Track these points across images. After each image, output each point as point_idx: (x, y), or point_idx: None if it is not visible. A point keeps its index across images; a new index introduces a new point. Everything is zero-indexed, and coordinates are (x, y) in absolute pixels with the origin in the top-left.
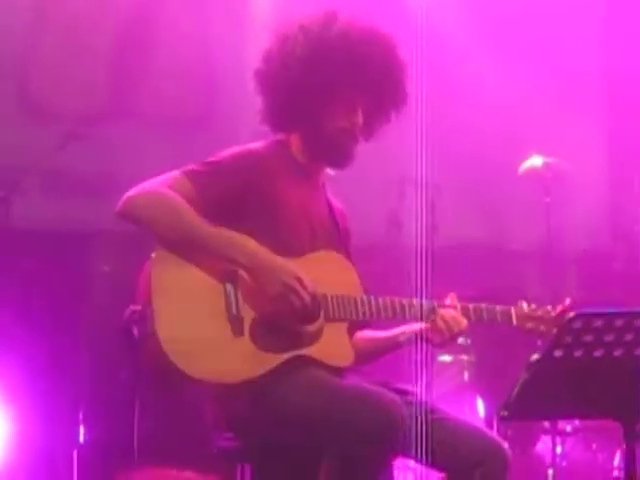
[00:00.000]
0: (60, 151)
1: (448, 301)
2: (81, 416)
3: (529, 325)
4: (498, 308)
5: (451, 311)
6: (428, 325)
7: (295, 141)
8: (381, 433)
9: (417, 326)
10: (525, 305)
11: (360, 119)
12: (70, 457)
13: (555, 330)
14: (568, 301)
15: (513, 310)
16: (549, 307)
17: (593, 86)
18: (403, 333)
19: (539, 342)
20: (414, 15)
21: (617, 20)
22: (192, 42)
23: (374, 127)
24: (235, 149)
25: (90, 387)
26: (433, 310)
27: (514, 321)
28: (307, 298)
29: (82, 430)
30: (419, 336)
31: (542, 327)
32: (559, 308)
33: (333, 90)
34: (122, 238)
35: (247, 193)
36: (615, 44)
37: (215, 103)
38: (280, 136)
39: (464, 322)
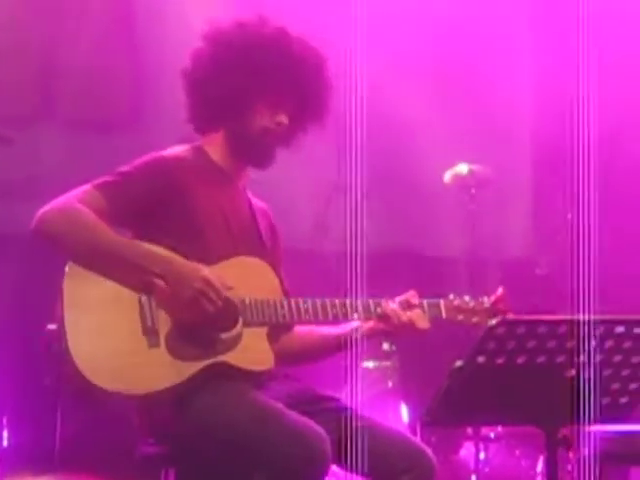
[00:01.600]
0: None
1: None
2: (5, 420)
3: (460, 317)
4: (425, 302)
5: (395, 305)
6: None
7: (216, 144)
8: (302, 469)
9: (368, 323)
10: (452, 296)
11: (285, 121)
12: None
13: (491, 320)
14: (500, 291)
15: (442, 302)
16: (483, 298)
17: (519, 93)
18: (356, 329)
19: (464, 346)
20: (349, 24)
21: (544, 26)
22: (120, 44)
23: (294, 133)
24: (147, 157)
25: (14, 392)
26: (366, 309)
27: (443, 314)
28: (219, 302)
29: (5, 434)
30: (372, 333)
31: (475, 318)
32: (492, 298)
33: (262, 90)
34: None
35: (160, 201)
36: (542, 51)
37: (143, 106)
38: (199, 140)
39: (409, 314)
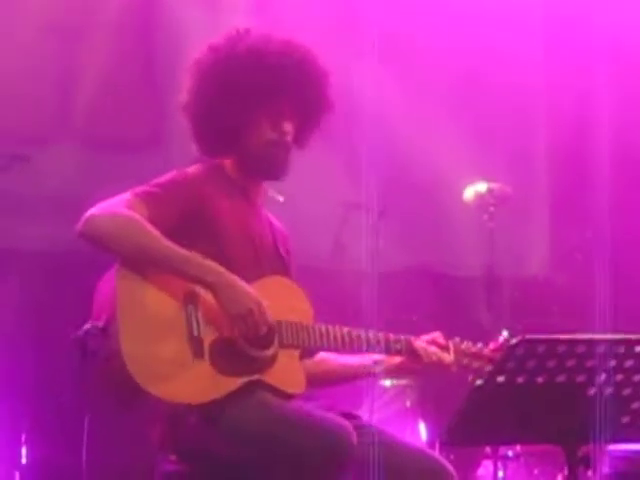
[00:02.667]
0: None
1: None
2: (23, 437)
3: (465, 361)
4: (451, 344)
5: (424, 344)
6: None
7: (230, 162)
8: (331, 458)
9: (397, 359)
10: (458, 339)
11: (289, 128)
12: (12, 478)
13: (488, 367)
14: (502, 338)
15: (451, 344)
16: (481, 344)
17: (537, 112)
18: (379, 363)
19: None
20: (361, 37)
21: (557, 43)
22: (139, 62)
23: (306, 134)
24: (174, 173)
25: (33, 408)
26: (387, 345)
27: (452, 356)
28: (264, 328)
29: (24, 451)
30: (400, 370)
31: (475, 364)
32: (492, 345)
33: (252, 105)
34: (61, 259)
35: (192, 216)
36: (558, 67)
37: (163, 125)
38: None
39: (444, 357)
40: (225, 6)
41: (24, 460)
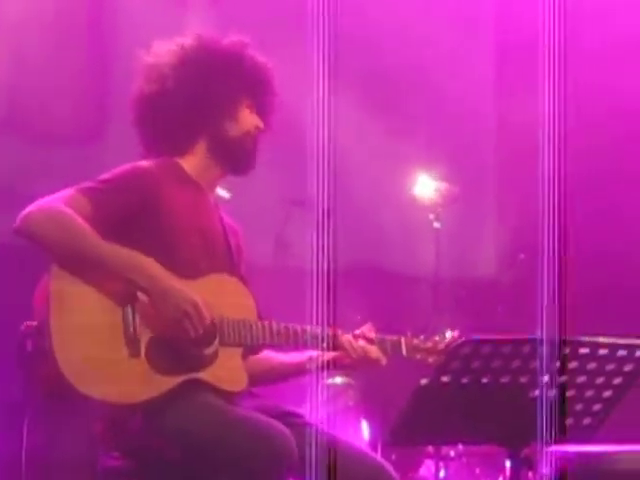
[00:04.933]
0: None
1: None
2: None
3: (418, 356)
4: (388, 339)
5: (350, 338)
6: (334, 353)
7: (191, 157)
8: (274, 463)
9: (328, 354)
10: (410, 335)
11: (261, 125)
12: None
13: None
14: (456, 333)
15: (403, 340)
16: (437, 338)
17: (486, 113)
18: (310, 359)
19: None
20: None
21: (508, 46)
22: (78, 56)
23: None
24: (127, 167)
25: None
26: (331, 338)
27: (404, 352)
28: (201, 328)
29: None
30: (328, 364)
31: (430, 359)
32: (447, 339)
33: (233, 97)
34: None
35: (142, 212)
36: (508, 67)
37: (106, 120)
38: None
39: (371, 351)
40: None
41: None
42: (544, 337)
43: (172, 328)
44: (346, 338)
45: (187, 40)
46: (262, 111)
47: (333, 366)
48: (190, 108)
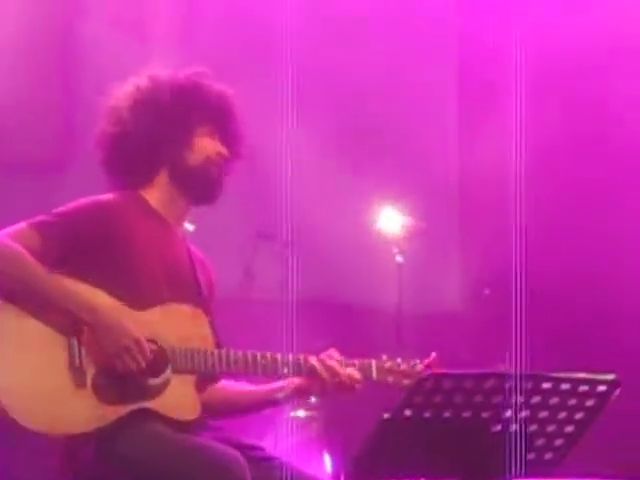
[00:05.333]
0: None
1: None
2: None
3: (390, 379)
4: (357, 361)
5: (328, 360)
6: (303, 379)
7: (154, 189)
8: None
9: (296, 381)
10: (385, 358)
11: (224, 151)
12: None
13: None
14: (433, 355)
15: (374, 363)
16: (415, 361)
17: (449, 146)
18: (281, 389)
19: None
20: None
21: (470, 75)
22: (42, 84)
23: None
24: (86, 200)
25: None
26: (296, 364)
27: (374, 375)
28: (142, 363)
29: None
30: (300, 392)
31: (405, 381)
32: (425, 362)
33: (188, 126)
34: None
35: (98, 244)
36: (469, 101)
37: (73, 148)
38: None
39: (343, 372)
40: (133, 33)
41: None
42: (507, 372)
43: (114, 361)
44: (314, 359)
45: (142, 80)
46: (226, 138)
47: (301, 394)
48: (149, 144)
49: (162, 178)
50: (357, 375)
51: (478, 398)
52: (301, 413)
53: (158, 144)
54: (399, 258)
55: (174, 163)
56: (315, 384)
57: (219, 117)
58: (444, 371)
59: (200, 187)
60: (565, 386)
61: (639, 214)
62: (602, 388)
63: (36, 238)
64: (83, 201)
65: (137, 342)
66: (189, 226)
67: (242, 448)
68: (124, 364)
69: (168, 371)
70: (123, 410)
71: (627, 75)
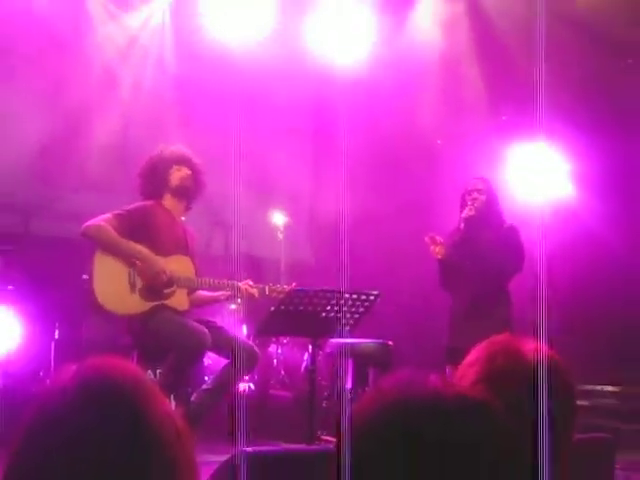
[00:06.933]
0: None
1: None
2: None
3: (274, 294)
4: (261, 285)
5: (244, 284)
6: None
7: (167, 199)
8: (196, 345)
9: (229, 291)
10: (272, 284)
11: (188, 172)
12: None
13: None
14: (294, 284)
15: (267, 287)
16: (284, 286)
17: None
18: (223, 294)
19: None
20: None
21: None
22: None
23: (199, 172)
24: (137, 203)
25: None
26: (231, 285)
27: (267, 292)
28: (166, 278)
29: None
30: (231, 297)
31: (280, 295)
32: (293, 285)
33: (163, 170)
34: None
35: (144, 225)
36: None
37: (126, 176)
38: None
39: (252, 290)
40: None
41: None
42: (338, 290)
43: (153, 278)
44: (239, 283)
45: (158, 150)
46: (190, 167)
47: (232, 297)
48: (159, 182)
49: (167, 194)
50: (256, 292)
51: (321, 301)
52: (233, 306)
53: (161, 181)
54: None
55: (167, 185)
56: (238, 293)
57: (180, 160)
58: (299, 288)
59: (184, 196)
60: (354, 296)
61: None
62: (371, 298)
63: (115, 221)
64: (136, 204)
65: (163, 271)
66: (183, 218)
67: (205, 322)
68: (159, 279)
69: (175, 286)
70: (152, 304)
71: None
